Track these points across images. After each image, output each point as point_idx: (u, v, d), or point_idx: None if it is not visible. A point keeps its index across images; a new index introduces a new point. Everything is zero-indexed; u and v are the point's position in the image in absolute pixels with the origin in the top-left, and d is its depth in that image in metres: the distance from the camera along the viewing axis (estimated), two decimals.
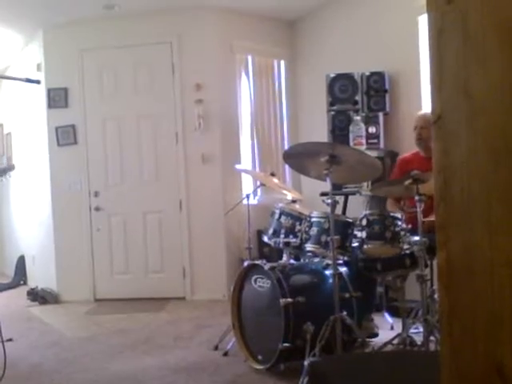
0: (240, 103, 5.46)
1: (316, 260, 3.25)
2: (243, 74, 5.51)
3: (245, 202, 3.85)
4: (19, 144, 6.45)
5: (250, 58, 5.55)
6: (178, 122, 5.21)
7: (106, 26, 5.28)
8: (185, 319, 4.42)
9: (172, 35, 5.22)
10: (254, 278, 3.08)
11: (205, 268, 5.18)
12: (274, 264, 3.02)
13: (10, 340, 3.60)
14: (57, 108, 5.36)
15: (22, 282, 6.38)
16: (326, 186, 2.86)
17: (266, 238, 3.41)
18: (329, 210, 2.83)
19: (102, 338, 3.93)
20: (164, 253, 5.28)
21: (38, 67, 5.50)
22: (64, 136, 5.35)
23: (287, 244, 3.21)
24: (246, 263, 3.23)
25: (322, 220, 3.09)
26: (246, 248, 3.81)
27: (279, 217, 3.32)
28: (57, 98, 5.36)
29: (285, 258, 3.24)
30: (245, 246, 3.93)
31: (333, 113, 4.62)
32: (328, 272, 3.03)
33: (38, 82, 3.39)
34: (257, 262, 3.11)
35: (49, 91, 5.36)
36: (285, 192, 3.83)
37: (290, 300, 2.80)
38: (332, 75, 4.63)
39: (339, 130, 4.58)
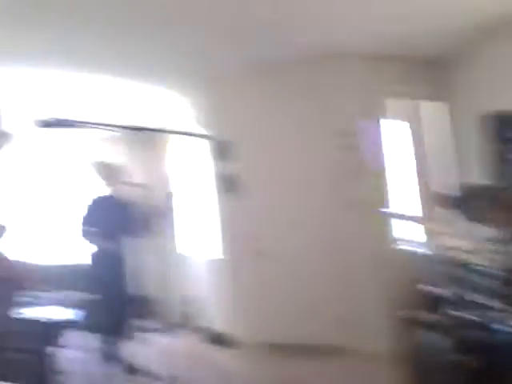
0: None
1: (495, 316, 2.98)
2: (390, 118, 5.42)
3: (404, 248, 3.72)
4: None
5: (396, 102, 5.45)
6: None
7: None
8: None
9: None
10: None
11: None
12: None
13: None
14: (221, 159, 5.44)
15: None
16: None
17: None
18: None
19: None
20: None
21: (199, 120, 5.74)
22: (227, 185, 5.48)
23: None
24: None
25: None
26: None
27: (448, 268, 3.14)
28: (222, 150, 5.38)
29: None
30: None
31: None
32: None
33: (208, 137, 3.64)
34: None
35: (213, 143, 5.36)
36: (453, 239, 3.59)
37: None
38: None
39: None
